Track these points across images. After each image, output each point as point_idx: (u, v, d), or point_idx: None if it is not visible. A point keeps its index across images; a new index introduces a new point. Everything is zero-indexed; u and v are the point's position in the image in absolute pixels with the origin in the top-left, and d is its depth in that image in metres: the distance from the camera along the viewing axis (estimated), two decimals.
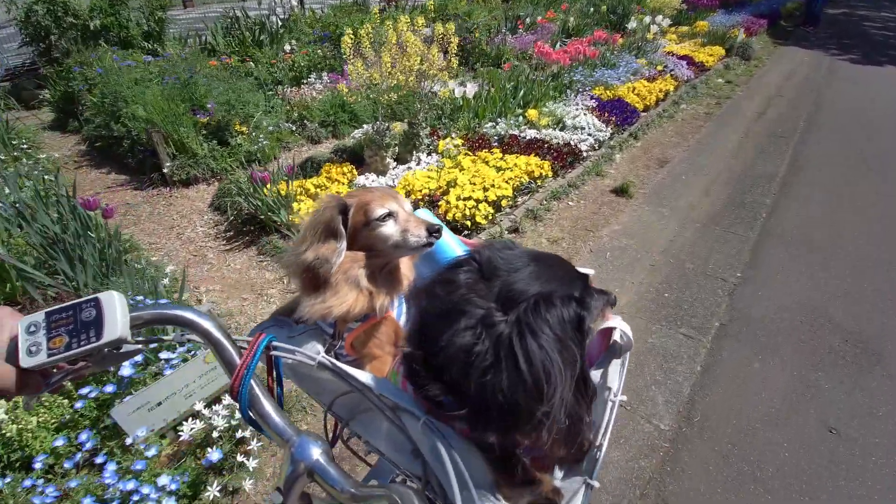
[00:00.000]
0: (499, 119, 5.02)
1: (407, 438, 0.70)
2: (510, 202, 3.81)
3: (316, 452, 0.60)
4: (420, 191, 3.70)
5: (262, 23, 7.60)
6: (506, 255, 0.68)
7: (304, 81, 5.88)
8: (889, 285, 3.25)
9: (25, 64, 6.96)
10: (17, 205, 2.84)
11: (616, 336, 0.89)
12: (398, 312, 1.02)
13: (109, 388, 1.88)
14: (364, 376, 0.74)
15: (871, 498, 2.02)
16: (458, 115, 4.93)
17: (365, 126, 4.72)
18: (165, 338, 0.74)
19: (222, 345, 0.69)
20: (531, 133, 4.82)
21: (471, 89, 4.66)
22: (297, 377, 0.88)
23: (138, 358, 2.00)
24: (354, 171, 4.11)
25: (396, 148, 4.29)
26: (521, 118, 5.15)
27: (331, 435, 0.93)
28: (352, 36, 3.62)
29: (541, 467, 0.77)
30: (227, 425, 1.88)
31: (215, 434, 1.88)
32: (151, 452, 1.74)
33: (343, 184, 3.95)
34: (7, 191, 3.13)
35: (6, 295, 2.59)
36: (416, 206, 3.68)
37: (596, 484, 0.77)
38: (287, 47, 6.75)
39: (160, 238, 3.58)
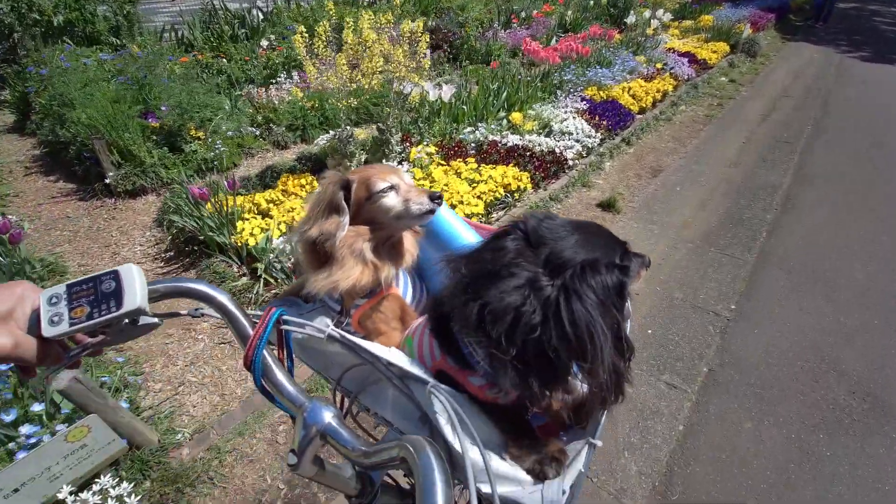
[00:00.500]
0: (479, 124, 4.61)
1: (415, 406, 0.71)
2: (481, 220, 3.41)
3: (328, 416, 0.61)
4: None
5: (243, 16, 7.19)
6: (549, 225, 0.70)
7: (273, 81, 5.48)
8: None
9: None
10: None
11: None
12: (403, 289, 1.02)
13: None
14: (373, 346, 0.74)
15: None
16: (435, 119, 4.52)
17: (332, 131, 4.32)
18: (182, 312, 0.78)
19: (236, 317, 0.70)
20: (513, 139, 4.41)
21: (448, 91, 4.25)
22: (305, 353, 0.87)
23: None
24: (315, 183, 3.72)
25: (363, 156, 3.89)
26: (504, 122, 4.73)
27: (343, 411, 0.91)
28: (304, 34, 3.22)
29: (547, 433, 0.79)
30: None
31: None
32: None
33: (300, 197, 3.57)
34: None
35: None
36: None
37: (599, 443, 0.77)
38: (264, 42, 6.33)
39: (93, 258, 3.22)
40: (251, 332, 0.69)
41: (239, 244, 2.96)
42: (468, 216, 3.27)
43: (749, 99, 6.81)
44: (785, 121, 5.99)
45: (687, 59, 7.42)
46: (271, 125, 4.61)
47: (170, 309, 0.78)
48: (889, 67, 8.54)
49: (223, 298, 0.71)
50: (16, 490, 1.57)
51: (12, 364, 0.57)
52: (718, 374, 2.50)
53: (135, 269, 0.62)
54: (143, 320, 0.65)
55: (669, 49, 7.85)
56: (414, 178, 3.70)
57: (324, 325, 0.77)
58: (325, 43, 3.22)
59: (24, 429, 1.65)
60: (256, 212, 3.34)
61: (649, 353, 2.62)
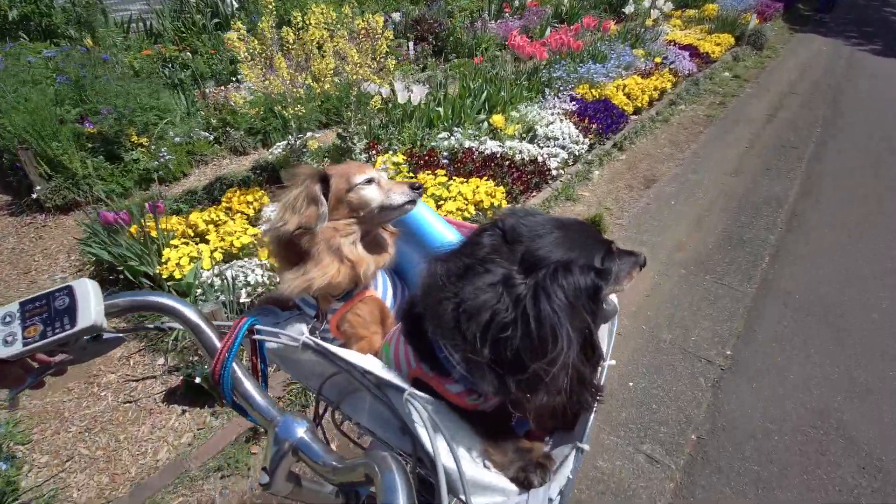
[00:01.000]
0: (455, 128, 4.15)
1: (393, 414, 0.68)
2: None
3: (300, 430, 0.59)
4: None
5: (216, 4, 6.69)
6: (529, 222, 0.68)
7: (235, 78, 5.02)
8: None
9: None
10: None
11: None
12: (383, 291, 0.99)
13: None
14: (348, 354, 0.71)
15: None
16: (406, 123, 4.07)
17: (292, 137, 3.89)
18: (148, 325, 0.80)
19: (202, 330, 0.68)
20: (492, 145, 3.96)
21: (419, 92, 3.80)
22: (284, 363, 0.83)
23: None
24: (266, 198, 3.30)
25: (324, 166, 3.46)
26: (484, 125, 4.28)
27: (317, 419, 0.86)
28: (242, 31, 2.77)
29: (532, 437, 0.76)
30: None
31: None
32: None
33: (247, 216, 3.15)
34: None
35: None
36: None
37: (586, 447, 0.73)
38: (233, 34, 5.84)
39: (8, 286, 2.83)
40: (219, 344, 0.66)
41: (165, 275, 2.56)
42: None
43: (753, 96, 6.30)
44: (792, 121, 5.50)
45: (688, 53, 6.88)
46: (228, 129, 4.17)
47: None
48: None
49: (188, 311, 0.69)
50: None
51: None
52: (708, 444, 2.10)
53: (89, 284, 0.60)
54: (107, 335, 0.63)
55: (670, 41, 7.31)
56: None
57: (298, 332, 0.74)
58: (264, 42, 2.77)
59: None
60: (193, 234, 2.93)
61: (628, 413, 2.22)
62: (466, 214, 3.13)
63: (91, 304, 0.58)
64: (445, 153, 3.79)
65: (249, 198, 3.21)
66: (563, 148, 4.10)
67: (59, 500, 1.81)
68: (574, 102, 4.82)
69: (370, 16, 3.07)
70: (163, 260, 2.59)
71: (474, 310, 0.61)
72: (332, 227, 0.89)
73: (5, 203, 3.60)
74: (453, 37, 6.50)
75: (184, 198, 3.37)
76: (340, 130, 3.53)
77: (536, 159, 3.89)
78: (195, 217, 2.98)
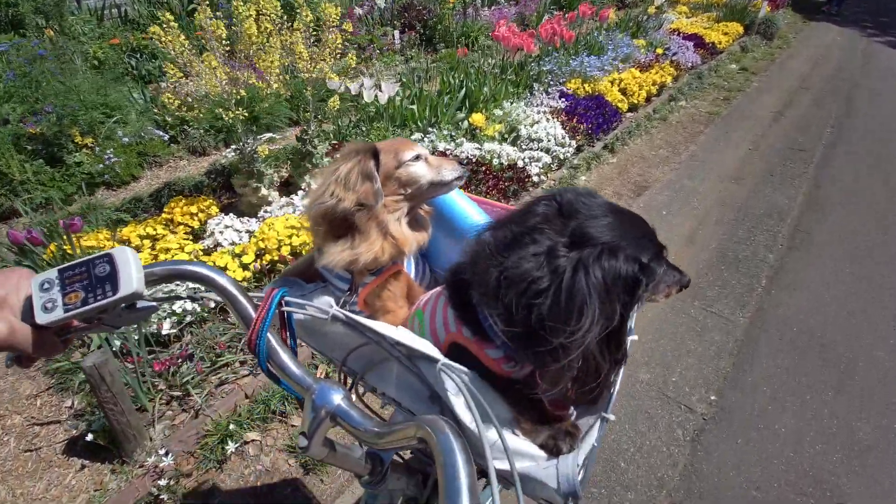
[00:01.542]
0: (430, 128, 3.80)
1: (424, 385, 0.70)
2: None
3: (337, 398, 0.59)
4: (277, 249, 2.58)
5: None
6: (587, 201, 0.68)
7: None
8: None
9: None
10: None
11: None
12: (407, 267, 0.98)
13: None
14: (378, 325, 0.71)
15: None
16: (376, 123, 3.72)
17: (266, 135, 3.55)
18: (181, 295, 0.78)
19: (238, 300, 0.68)
20: (469, 148, 3.61)
21: (390, 89, 3.45)
22: (308, 335, 0.84)
23: None
24: (215, 208, 2.98)
25: (274, 176, 3.14)
26: (464, 125, 3.92)
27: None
28: (170, 20, 2.43)
29: (558, 408, 0.77)
30: None
31: None
32: None
33: (191, 229, 2.85)
34: None
35: None
36: (266, 273, 2.59)
37: (611, 417, 0.76)
38: (156, 27, 5.47)
39: None
40: (253, 314, 0.66)
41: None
42: None
43: (761, 92, 5.85)
44: (801, 120, 5.07)
45: (693, 43, 6.41)
46: (187, 127, 3.85)
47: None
48: None
49: (223, 281, 0.69)
50: None
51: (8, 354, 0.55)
52: None
53: (129, 252, 0.59)
54: (141, 304, 0.63)
55: (674, 30, 6.83)
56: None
57: (327, 305, 0.75)
58: (203, 36, 2.43)
59: None
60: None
61: (592, 472, 1.93)
62: None
63: (133, 272, 0.58)
64: None
65: (194, 208, 2.90)
66: (546, 151, 3.74)
67: None
68: (564, 99, 4.44)
69: (325, 6, 2.71)
70: None
71: (515, 277, 0.62)
72: (381, 203, 0.88)
73: None
74: (441, 25, 6.08)
75: (126, 206, 3.07)
76: (298, 133, 3.20)
77: (516, 164, 3.54)
78: (128, 231, 2.68)
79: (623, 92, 4.79)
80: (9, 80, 3.60)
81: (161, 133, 3.73)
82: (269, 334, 0.65)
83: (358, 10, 6.23)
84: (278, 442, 1.96)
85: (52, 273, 0.58)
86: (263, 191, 3.08)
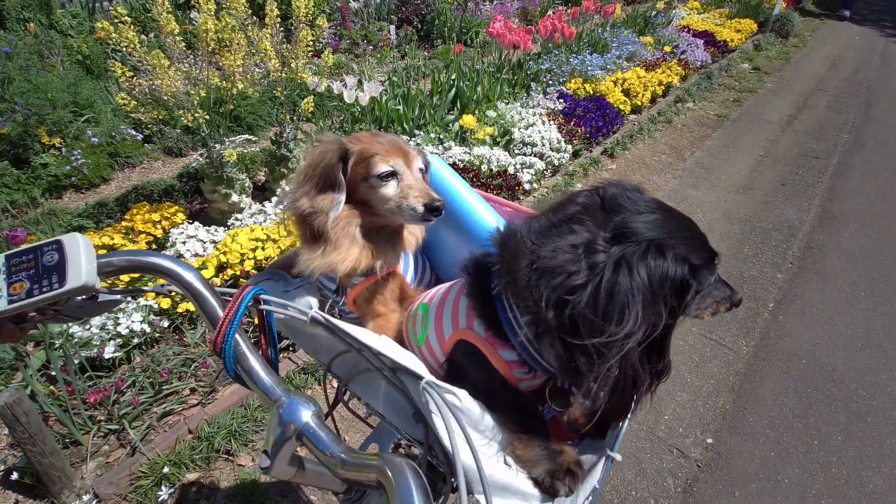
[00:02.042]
0: (417, 131, 3.57)
1: (408, 401, 0.63)
2: None
3: (306, 414, 0.54)
4: (240, 263, 2.38)
5: None
6: (633, 196, 0.62)
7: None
8: None
9: None
10: None
11: None
12: (404, 267, 0.93)
13: None
14: (360, 333, 0.64)
15: None
16: (360, 125, 3.50)
17: (245, 135, 3.35)
18: (145, 289, 0.72)
19: (204, 297, 0.63)
20: (457, 152, 3.38)
21: (372, 89, 3.22)
22: (293, 334, 0.79)
23: None
24: (181, 215, 2.79)
25: (247, 182, 2.94)
26: (455, 127, 3.68)
27: (332, 396, 0.89)
28: (122, 14, 2.22)
29: (561, 437, 0.70)
30: None
31: None
32: None
33: (153, 238, 2.66)
34: None
35: None
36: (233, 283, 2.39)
37: (617, 456, 0.68)
38: (106, 22, 5.26)
39: None
40: (221, 313, 0.61)
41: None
42: None
43: (774, 93, 5.53)
44: (816, 126, 4.76)
45: (703, 41, 6.10)
46: (163, 126, 3.65)
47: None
48: None
49: (189, 276, 0.64)
50: None
51: None
52: None
53: (80, 240, 0.55)
54: (104, 297, 0.60)
55: (683, 27, 6.51)
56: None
57: (307, 305, 0.72)
58: (133, 35, 2.22)
59: None
60: None
61: None
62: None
63: (82, 263, 0.54)
64: None
65: (156, 216, 2.71)
66: (540, 157, 3.50)
67: None
68: (562, 100, 4.18)
69: (297, 1, 2.48)
70: None
71: (549, 269, 0.57)
72: (348, 211, 0.81)
73: None
74: (440, 20, 5.82)
75: (90, 212, 2.89)
76: (271, 135, 3.00)
77: (507, 170, 3.31)
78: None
79: (626, 93, 4.52)
80: None
81: (134, 133, 3.54)
82: (238, 336, 0.59)
83: (354, 4, 5.99)
84: (222, 484, 1.77)
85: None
86: (234, 197, 2.88)
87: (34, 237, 2.57)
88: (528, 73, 4.45)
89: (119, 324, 2.06)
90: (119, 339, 2.04)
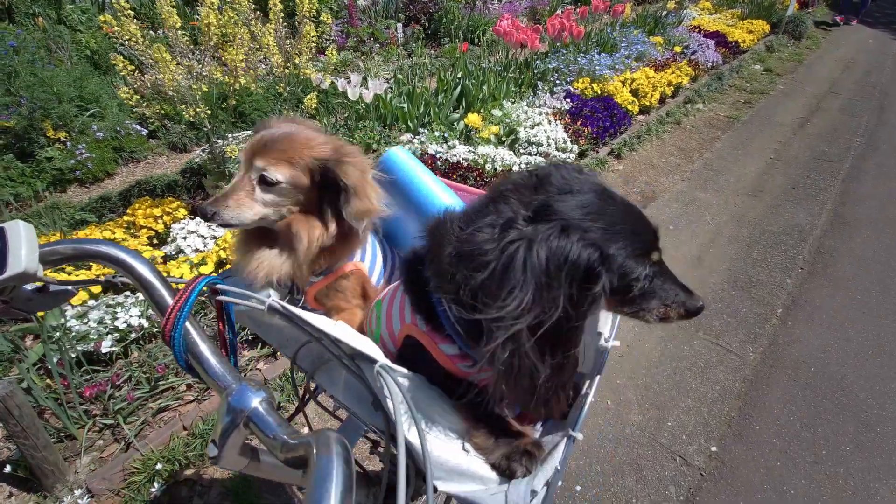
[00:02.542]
0: (422, 129, 3.54)
1: (365, 387, 0.62)
2: None
3: (255, 400, 0.52)
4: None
5: None
6: (570, 176, 0.60)
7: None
8: None
9: None
10: None
11: None
12: (372, 260, 0.91)
13: None
14: (318, 320, 0.62)
15: None
16: (362, 123, 3.48)
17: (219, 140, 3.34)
18: (98, 280, 0.70)
19: (153, 286, 0.62)
20: (461, 151, 3.34)
21: (375, 87, 3.19)
22: (257, 326, 0.78)
23: None
24: (183, 210, 2.78)
25: None
26: (459, 125, 3.65)
27: (301, 391, 0.88)
28: (124, 7, 2.21)
29: (521, 421, 0.70)
30: None
31: None
32: None
33: (155, 233, 2.65)
34: None
35: None
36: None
37: (579, 436, 0.65)
38: (108, 14, 5.27)
39: None
40: (171, 302, 0.60)
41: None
42: None
43: (786, 95, 5.44)
44: (828, 129, 4.67)
45: (714, 41, 6.02)
46: (167, 121, 3.65)
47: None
48: None
49: (137, 264, 0.62)
50: None
51: None
52: None
53: (22, 227, 0.54)
54: (55, 288, 0.59)
55: (694, 27, 6.43)
56: None
57: (266, 295, 0.66)
58: (164, 26, 2.21)
59: None
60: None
61: (553, 499, 1.67)
62: None
63: (22, 250, 0.52)
64: None
65: (158, 211, 2.70)
66: (545, 157, 3.46)
67: None
68: (569, 99, 4.13)
69: None
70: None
71: (467, 250, 0.56)
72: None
73: None
74: (447, 18, 5.79)
75: (93, 206, 2.89)
76: None
77: (511, 170, 3.26)
78: (84, 235, 2.49)
79: (634, 93, 4.46)
80: None
81: (139, 128, 3.55)
82: (188, 324, 0.58)
83: (361, 2, 5.98)
84: (215, 481, 1.75)
85: None
86: None
87: (36, 230, 2.57)
88: (535, 72, 4.40)
89: (117, 318, 2.05)
90: (116, 334, 2.03)
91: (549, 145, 3.52)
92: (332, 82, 3.20)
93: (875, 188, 3.73)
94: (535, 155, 3.44)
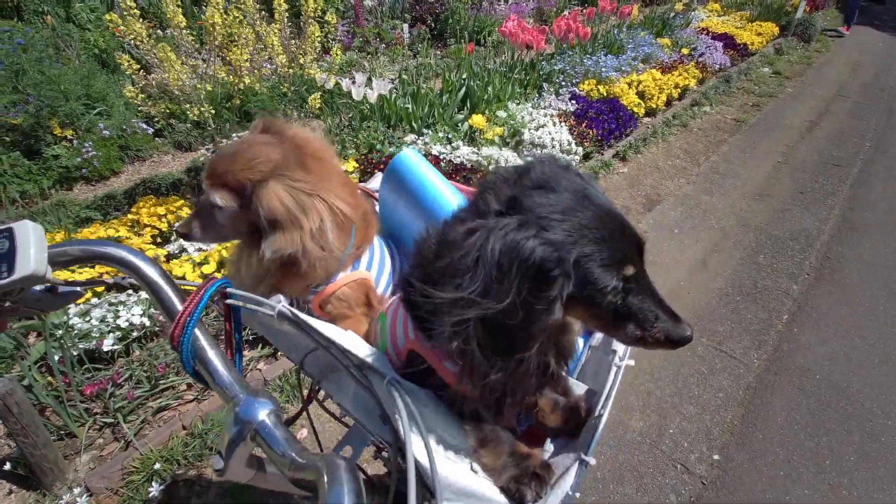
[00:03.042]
0: (426, 130, 3.53)
1: (375, 401, 0.61)
2: None
3: (262, 413, 0.52)
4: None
5: None
6: (549, 172, 0.57)
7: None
8: None
9: None
10: None
11: None
12: (380, 263, 0.90)
13: None
14: (328, 329, 0.62)
15: None
16: (366, 123, 3.47)
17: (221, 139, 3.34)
18: (107, 280, 0.68)
19: (162, 289, 0.61)
20: (465, 152, 3.32)
21: (380, 87, 3.18)
22: (266, 331, 0.77)
23: None
24: (187, 209, 2.80)
25: None
26: (464, 126, 3.63)
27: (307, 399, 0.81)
28: (131, 7, 2.21)
29: (530, 439, 0.69)
30: None
31: None
32: None
33: (158, 231, 2.66)
34: None
35: None
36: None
37: (591, 460, 0.64)
38: (114, 14, 5.29)
39: None
40: (180, 306, 0.59)
41: None
42: None
43: (795, 98, 5.38)
44: (837, 133, 4.61)
45: (722, 44, 5.96)
46: (173, 120, 3.67)
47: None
48: None
49: (146, 266, 0.61)
50: None
51: None
52: None
53: (31, 227, 0.53)
54: (63, 288, 0.59)
55: (702, 29, 6.37)
56: None
57: (276, 300, 0.64)
58: (140, 28, 2.21)
59: None
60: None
61: None
62: None
63: (31, 251, 0.52)
64: None
65: (162, 209, 2.71)
66: None
67: None
68: (575, 101, 4.10)
69: None
70: None
71: (439, 244, 0.57)
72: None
73: None
74: (454, 19, 5.77)
75: (98, 204, 2.90)
76: None
77: (498, 164, 3.24)
78: (89, 233, 2.50)
79: (641, 95, 4.42)
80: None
81: (145, 126, 3.56)
82: (197, 330, 0.57)
83: (368, 2, 5.97)
84: (214, 482, 1.75)
85: None
86: None
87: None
88: (541, 73, 4.38)
89: (119, 316, 2.05)
90: (118, 332, 2.04)
91: (553, 147, 3.50)
92: (337, 82, 3.20)
93: (884, 192, 3.67)
94: (539, 156, 3.41)
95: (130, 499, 1.66)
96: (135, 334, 2.08)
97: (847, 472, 1.87)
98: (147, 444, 1.76)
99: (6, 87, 3.35)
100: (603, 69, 4.46)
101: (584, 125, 3.80)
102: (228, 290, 0.63)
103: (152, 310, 2.16)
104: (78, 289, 0.61)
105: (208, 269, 2.32)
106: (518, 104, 3.92)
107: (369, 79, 3.36)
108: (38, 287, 0.56)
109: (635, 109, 4.24)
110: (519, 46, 4.08)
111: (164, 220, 2.69)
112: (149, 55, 2.29)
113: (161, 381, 1.94)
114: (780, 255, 3.00)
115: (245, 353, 2.12)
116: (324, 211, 0.76)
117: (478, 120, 3.58)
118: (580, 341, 0.84)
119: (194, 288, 0.61)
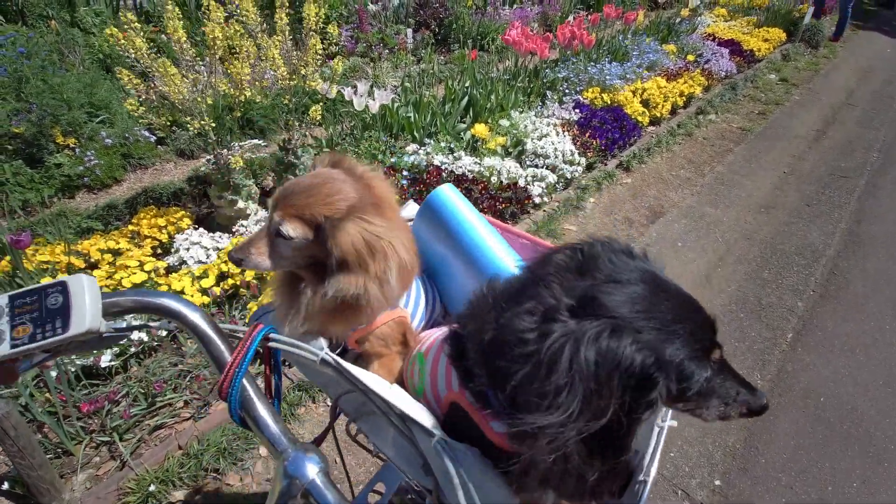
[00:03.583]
0: (428, 139, 3.51)
1: (417, 452, 0.62)
2: None
3: (312, 470, 0.53)
4: (241, 273, 2.35)
5: None
6: (617, 260, 0.56)
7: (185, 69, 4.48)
8: None
9: None
10: None
11: None
12: (416, 298, 0.90)
13: None
14: (371, 379, 0.64)
15: None
16: (368, 133, 3.45)
17: (256, 140, 3.33)
18: (152, 324, 0.70)
19: (211, 339, 0.63)
20: (467, 163, 3.30)
21: (382, 97, 3.17)
22: (301, 367, 0.82)
23: None
24: (187, 220, 2.78)
25: (253, 188, 2.92)
26: (467, 136, 3.61)
27: (338, 430, 0.83)
28: (132, 20, 2.21)
29: (573, 500, 0.65)
30: None
31: None
32: None
33: (159, 242, 2.65)
34: None
35: None
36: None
37: None
38: (113, 27, 5.29)
39: None
40: (229, 357, 0.61)
41: None
42: None
43: (802, 106, 5.32)
44: (845, 142, 4.55)
45: (728, 50, 5.90)
46: (176, 128, 3.66)
47: None
48: None
49: (195, 316, 0.63)
50: None
51: None
52: None
53: (86, 281, 0.54)
54: (108, 332, 0.59)
55: (708, 35, 6.32)
56: None
57: (318, 346, 0.66)
58: (171, 38, 2.20)
59: None
60: (86, 265, 2.45)
61: None
62: None
63: (86, 306, 0.53)
64: (407, 171, 3.16)
65: (162, 220, 2.70)
66: (552, 169, 3.41)
67: None
68: (578, 110, 4.07)
69: (307, 6, 2.44)
70: None
71: (503, 336, 0.53)
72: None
73: None
74: (458, 24, 5.74)
75: (99, 213, 2.90)
76: (280, 141, 2.97)
77: (517, 183, 3.22)
78: (89, 244, 2.49)
79: (645, 103, 4.38)
80: (1, 75, 3.48)
81: (148, 135, 3.56)
82: (245, 381, 0.58)
83: (372, 7, 5.96)
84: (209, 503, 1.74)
85: (3, 299, 0.53)
86: (241, 203, 2.85)
87: (42, 239, 2.58)
88: (545, 81, 4.35)
89: None
90: (116, 348, 2.03)
91: (556, 157, 3.47)
92: (339, 91, 3.18)
93: (892, 205, 3.62)
94: (542, 167, 3.39)
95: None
96: (133, 350, 2.07)
97: (849, 500, 1.83)
98: (143, 465, 1.75)
99: (9, 95, 3.36)
100: (607, 77, 4.42)
101: (587, 135, 3.77)
102: (272, 335, 0.65)
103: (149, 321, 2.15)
104: (120, 334, 0.62)
105: (207, 282, 2.31)
106: (521, 113, 3.89)
107: (371, 87, 3.34)
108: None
109: (639, 118, 4.20)
110: (523, 54, 4.05)
111: (164, 231, 2.68)
112: (150, 69, 2.28)
113: (158, 399, 1.93)
114: (785, 270, 2.96)
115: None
116: (392, 257, 0.75)
117: (480, 129, 3.55)
118: None
119: (237, 332, 0.63)
